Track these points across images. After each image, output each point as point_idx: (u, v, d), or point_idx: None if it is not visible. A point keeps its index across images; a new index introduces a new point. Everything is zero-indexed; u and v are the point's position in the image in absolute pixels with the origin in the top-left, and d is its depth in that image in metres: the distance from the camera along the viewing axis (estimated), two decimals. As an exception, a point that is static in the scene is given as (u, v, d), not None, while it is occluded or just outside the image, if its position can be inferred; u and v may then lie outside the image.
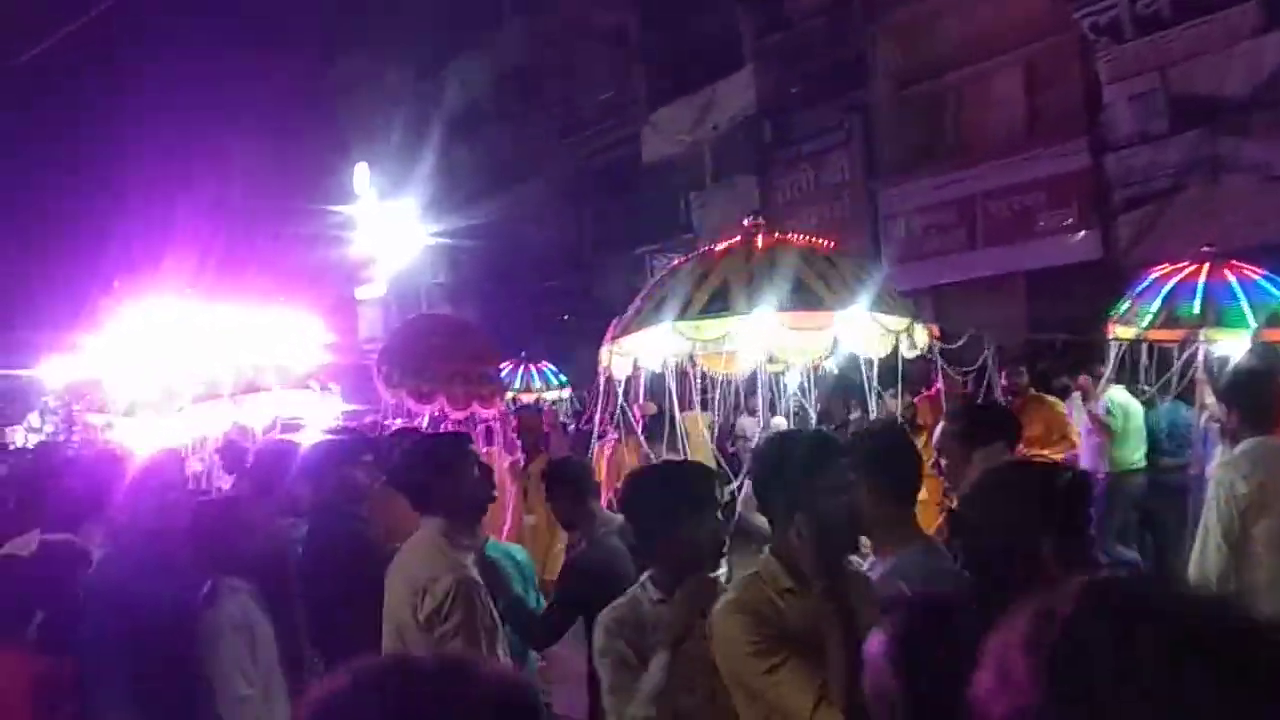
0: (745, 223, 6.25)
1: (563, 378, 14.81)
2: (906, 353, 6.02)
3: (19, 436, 15.80)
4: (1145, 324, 6.90)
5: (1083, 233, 11.94)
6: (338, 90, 28.03)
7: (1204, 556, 3.62)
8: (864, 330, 5.65)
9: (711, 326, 5.47)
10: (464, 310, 24.03)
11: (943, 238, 13.36)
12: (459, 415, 9.84)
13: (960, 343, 7.33)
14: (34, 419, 14.72)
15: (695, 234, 17.28)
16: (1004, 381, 7.29)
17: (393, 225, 23.97)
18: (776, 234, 6.26)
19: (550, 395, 14.69)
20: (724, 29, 16.72)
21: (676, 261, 6.15)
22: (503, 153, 22.66)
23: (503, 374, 15.26)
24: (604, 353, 5.95)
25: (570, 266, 21.06)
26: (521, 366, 14.78)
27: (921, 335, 5.91)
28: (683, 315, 5.41)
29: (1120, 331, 7.08)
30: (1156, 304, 6.89)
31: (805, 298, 5.42)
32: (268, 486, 4.50)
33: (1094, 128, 11.75)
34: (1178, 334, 6.86)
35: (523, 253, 22.25)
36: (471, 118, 23.79)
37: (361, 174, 26.92)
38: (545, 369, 14.85)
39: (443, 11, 23.81)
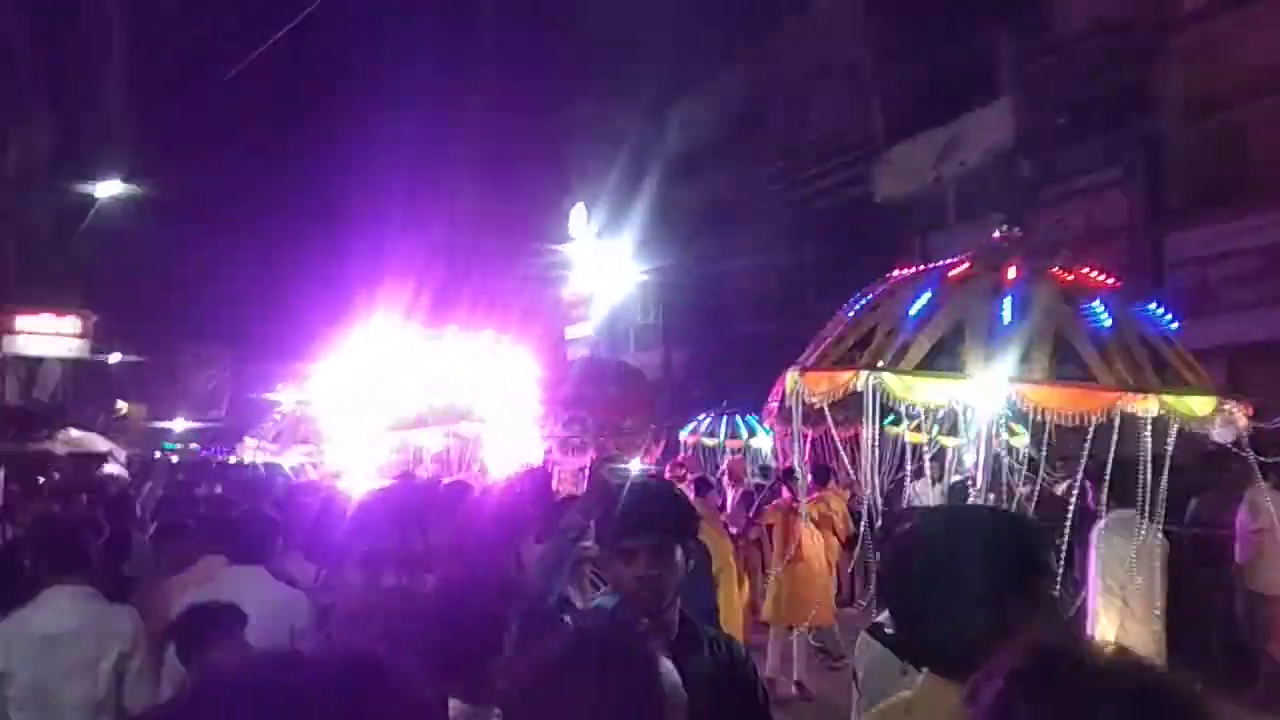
0: (996, 235, 4.91)
1: (766, 426, 13.68)
2: (1216, 436, 4.51)
3: (247, 454, 16.33)
4: None
5: None
6: (564, 132, 28.35)
7: None
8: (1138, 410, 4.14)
9: (929, 387, 4.22)
10: (674, 352, 23.45)
11: (1246, 289, 11.34)
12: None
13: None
14: (252, 441, 15.08)
15: (933, 279, 15.92)
16: None
17: (608, 264, 23.71)
18: (1038, 263, 4.81)
19: (756, 443, 13.72)
20: (975, 58, 15.32)
21: (895, 275, 4.80)
22: (723, 192, 21.97)
23: (703, 423, 14.52)
24: (790, 378, 4.66)
25: (789, 311, 19.93)
26: (725, 416, 14.07)
27: (1238, 417, 4.40)
28: (896, 363, 4.15)
29: None
30: None
31: (1071, 369, 4.09)
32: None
33: None
34: None
35: (738, 295, 21.38)
36: (693, 157, 23.30)
37: (579, 214, 26.98)
38: (748, 417, 13.91)
39: (670, 53, 23.55)
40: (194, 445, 29.76)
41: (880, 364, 4.19)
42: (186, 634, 3.12)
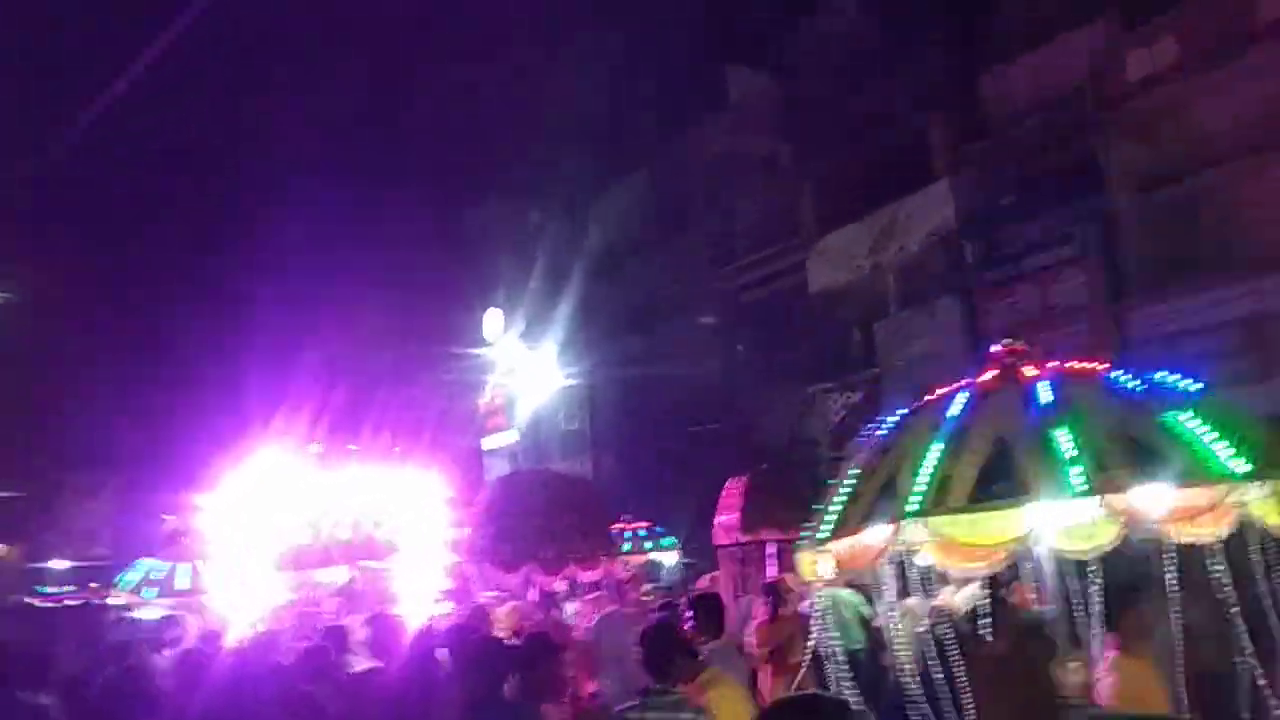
0: (998, 349, 4.22)
1: (666, 539, 12.44)
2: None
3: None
4: None
5: None
6: (478, 232, 27.36)
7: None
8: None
9: (994, 522, 3.45)
10: (602, 459, 22.10)
11: (1220, 367, 10.65)
12: (549, 584, 8.02)
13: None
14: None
15: (878, 368, 15.14)
16: None
17: (527, 369, 22.45)
18: (1056, 364, 4.22)
19: (658, 558, 12.37)
20: (906, 141, 14.87)
21: (897, 416, 4.19)
22: (649, 290, 21.11)
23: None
24: (804, 559, 4.00)
25: (724, 409, 18.90)
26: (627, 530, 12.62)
27: None
28: (940, 504, 3.45)
29: None
30: None
31: (1160, 467, 3.40)
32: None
33: None
34: None
35: (670, 396, 20.28)
36: (617, 255, 22.50)
37: (493, 319, 25.77)
38: (640, 529, 12.46)
39: (587, 151, 22.96)
40: (69, 587, 26.71)
41: (922, 508, 3.47)
42: None
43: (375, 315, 30.17)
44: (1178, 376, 4.04)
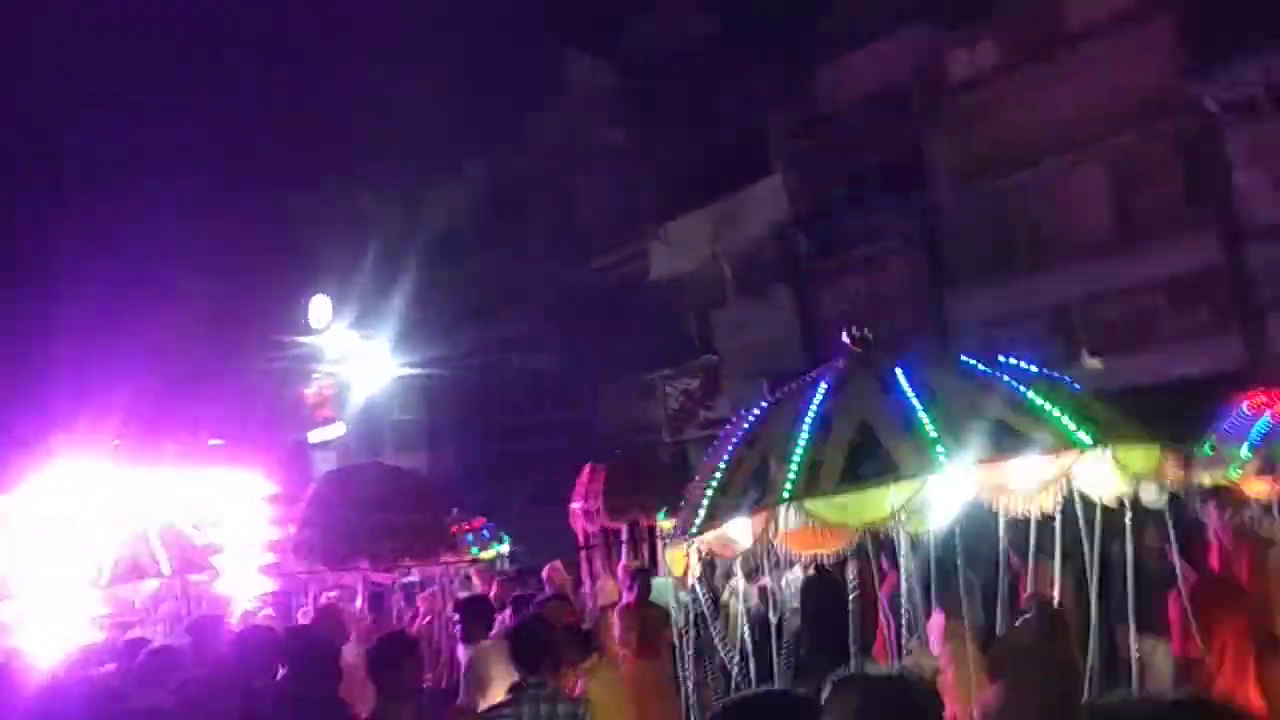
0: (849, 338, 4.39)
1: (501, 535, 12.32)
2: (1151, 498, 4.36)
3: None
4: (1234, 472, 5.65)
5: (1218, 338, 10.01)
6: (306, 216, 26.09)
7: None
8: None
9: (866, 500, 3.62)
10: (439, 452, 21.54)
11: (1031, 352, 11.34)
12: (383, 578, 7.80)
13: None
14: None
15: (718, 355, 15.39)
16: None
17: (359, 358, 21.62)
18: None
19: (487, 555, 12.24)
20: (743, 134, 15.14)
21: (759, 409, 4.35)
22: (488, 278, 20.70)
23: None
24: (674, 555, 4.17)
25: (563, 397, 18.80)
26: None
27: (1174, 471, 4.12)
28: (813, 486, 3.60)
29: (1207, 479, 5.64)
30: (1245, 448, 5.67)
31: (1009, 442, 3.69)
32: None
33: (1224, 217, 9.99)
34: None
35: (507, 385, 20.00)
36: (454, 242, 21.92)
37: (321, 306, 24.64)
38: (477, 528, 12.27)
39: (422, 137, 22.24)
40: None
41: (794, 493, 3.59)
42: None
43: (192, 300, 28.34)
44: (1016, 360, 4.25)
